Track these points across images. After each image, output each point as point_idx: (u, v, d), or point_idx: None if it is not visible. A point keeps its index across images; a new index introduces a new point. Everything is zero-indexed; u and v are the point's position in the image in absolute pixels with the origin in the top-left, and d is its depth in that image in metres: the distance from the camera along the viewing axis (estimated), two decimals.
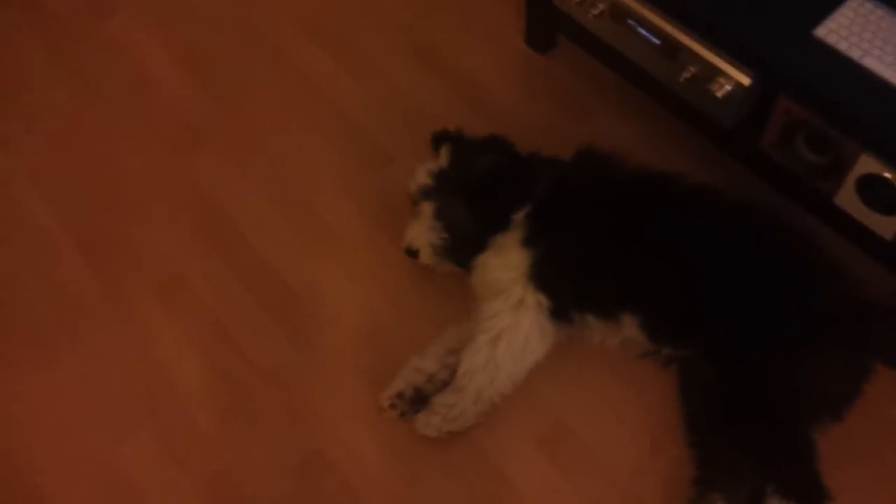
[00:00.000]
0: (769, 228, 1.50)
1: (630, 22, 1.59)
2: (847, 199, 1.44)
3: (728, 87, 1.49)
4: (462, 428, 1.46)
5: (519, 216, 1.53)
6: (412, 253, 1.60)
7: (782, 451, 1.36)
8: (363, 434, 1.51)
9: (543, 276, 1.47)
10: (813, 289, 1.43)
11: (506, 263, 1.50)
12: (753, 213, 1.52)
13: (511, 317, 1.46)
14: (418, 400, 1.50)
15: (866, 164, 1.37)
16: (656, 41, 1.57)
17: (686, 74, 1.55)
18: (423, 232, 1.58)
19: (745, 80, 1.46)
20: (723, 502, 1.34)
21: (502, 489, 1.45)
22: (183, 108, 1.95)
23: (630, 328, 1.48)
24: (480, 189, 1.54)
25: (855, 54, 1.38)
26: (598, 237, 1.48)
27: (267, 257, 1.72)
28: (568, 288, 1.48)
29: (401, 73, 1.96)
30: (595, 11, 1.65)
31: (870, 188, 1.39)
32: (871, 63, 1.37)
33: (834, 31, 1.41)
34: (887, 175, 1.34)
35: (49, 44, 2.07)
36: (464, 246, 1.57)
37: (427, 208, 1.58)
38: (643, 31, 1.58)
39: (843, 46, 1.39)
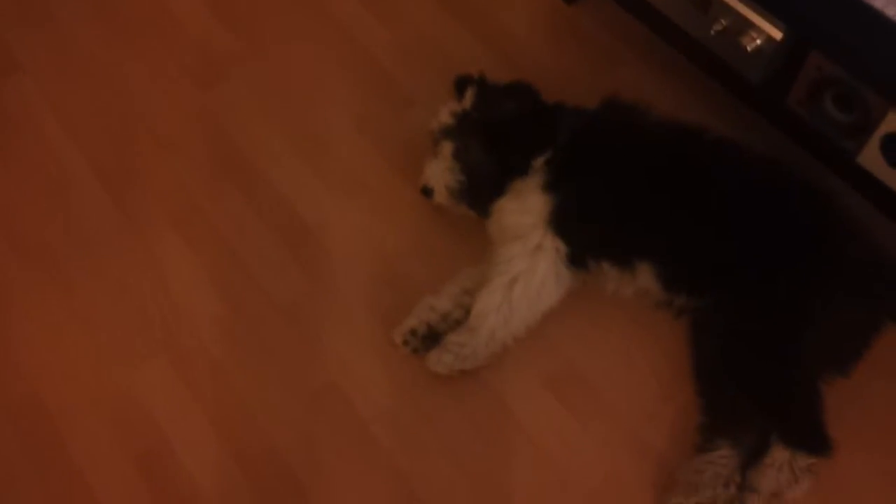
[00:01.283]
0: (790, 184, 1.50)
1: None
2: (871, 158, 1.43)
3: (759, 41, 1.48)
4: (473, 367, 1.47)
5: (539, 162, 1.52)
6: (427, 192, 1.59)
7: (787, 401, 1.37)
8: (376, 369, 1.53)
9: (562, 222, 1.47)
10: (829, 245, 1.43)
11: (524, 207, 1.50)
12: (776, 168, 1.51)
13: (528, 261, 1.46)
14: (431, 337, 1.51)
15: (893, 122, 1.36)
16: None
17: (717, 27, 1.53)
18: (441, 172, 1.56)
19: (777, 35, 1.45)
20: (728, 448, 1.36)
21: (510, 426, 1.46)
22: (206, 43, 1.94)
23: (645, 277, 1.48)
24: (501, 132, 1.53)
25: (891, 11, 1.36)
26: (619, 184, 1.48)
27: (284, 192, 1.72)
28: (587, 234, 1.48)
29: (427, 18, 1.94)
30: None
31: (895, 147, 1.38)
32: None
33: None
34: None
35: None
36: (480, 189, 1.56)
37: (446, 148, 1.56)
38: None
39: (878, 3, 1.37)
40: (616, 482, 1.42)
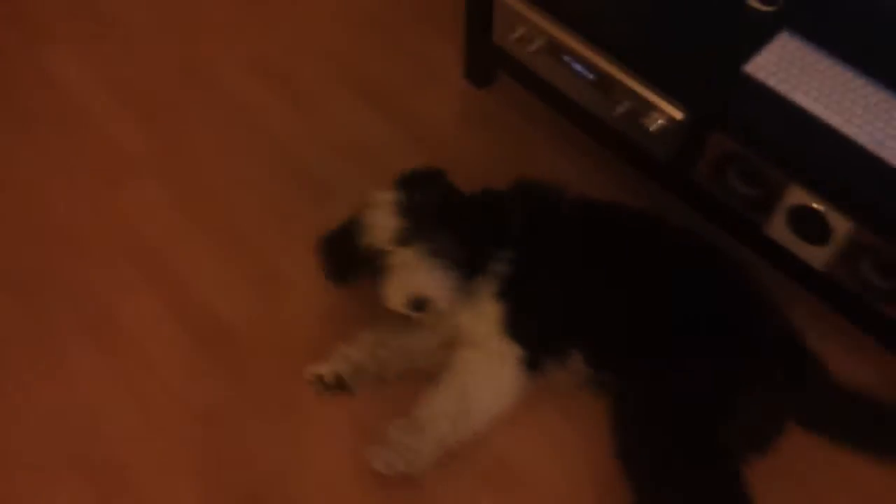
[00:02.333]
0: (708, 260, 1.53)
1: (565, 58, 1.61)
2: (778, 229, 1.47)
3: (661, 122, 1.52)
4: (417, 472, 1.41)
5: (499, 264, 1.47)
6: (420, 305, 1.40)
7: (715, 491, 1.35)
8: (303, 473, 1.47)
9: (517, 326, 1.45)
10: (748, 325, 1.45)
11: (479, 313, 1.47)
12: (694, 242, 1.55)
13: (488, 369, 1.44)
14: (339, 387, 1.50)
15: (795, 196, 1.40)
16: (591, 76, 1.59)
17: (620, 109, 1.58)
18: (430, 276, 1.39)
19: (678, 115, 1.49)
20: None
21: None
22: (117, 140, 1.91)
23: (576, 361, 1.48)
24: (462, 217, 1.46)
25: (784, 89, 1.42)
26: (553, 275, 1.48)
27: (202, 294, 1.68)
28: (537, 333, 1.46)
29: (341, 108, 1.95)
30: (532, 47, 1.67)
31: (800, 219, 1.43)
32: (799, 98, 1.41)
33: (762, 68, 1.45)
34: (816, 206, 1.38)
35: None
36: (467, 279, 1.45)
37: (414, 252, 1.40)
38: (578, 67, 1.60)
39: (772, 82, 1.43)
40: None
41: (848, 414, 1.49)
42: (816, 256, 1.45)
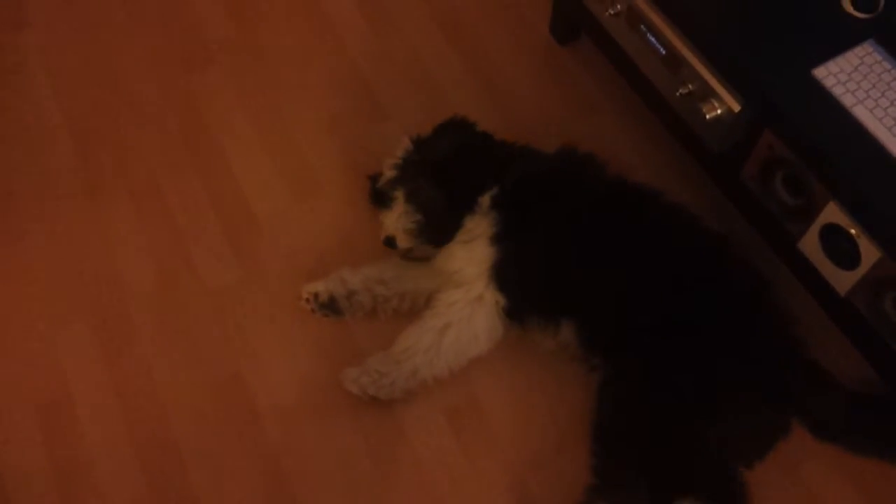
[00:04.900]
0: (731, 265, 1.49)
1: (642, 27, 1.57)
2: (810, 245, 1.42)
3: (718, 111, 1.47)
4: (386, 398, 1.47)
5: (485, 199, 1.52)
6: (390, 242, 1.57)
7: (682, 483, 1.34)
8: (286, 369, 1.54)
9: (505, 276, 1.47)
10: (756, 335, 1.41)
11: (471, 256, 1.50)
12: (718, 244, 1.50)
13: (466, 310, 1.46)
14: (330, 308, 1.55)
15: (832, 214, 1.34)
16: (662, 51, 1.55)
17: (683, 90, 1.53)
18: (397, 218, 1.55)
19: (735, 107, 1.44)
20: None
21: (401, 448, 1.47)
22: (204, 24, 1.98)
23: (567, 333, 1.48)
24: (446, 166, 1.53)
25: (847, 101, 1.35)
26: (559, 241, 1.47)
27: (241, 183, 1.75)
28: (526, 289, 1.48)
29: (419, 36, 1.96)
30: (613, 11, 1.64)
31: (832, 239, 1.37)
32: (860, 113, 1.34)
33: (833, 75, 1.37)
34: (850, 229, 1.32)
35: None
36: (438, 226, 1.55)
37: (399, 196, 1.55)
38: (652, 39, 1.56)
39: (837, 91, 1.36)
40: None
41: (862, 423, 1.43)
42: (841, 280, 1.39)
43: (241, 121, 1.84)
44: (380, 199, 1.61)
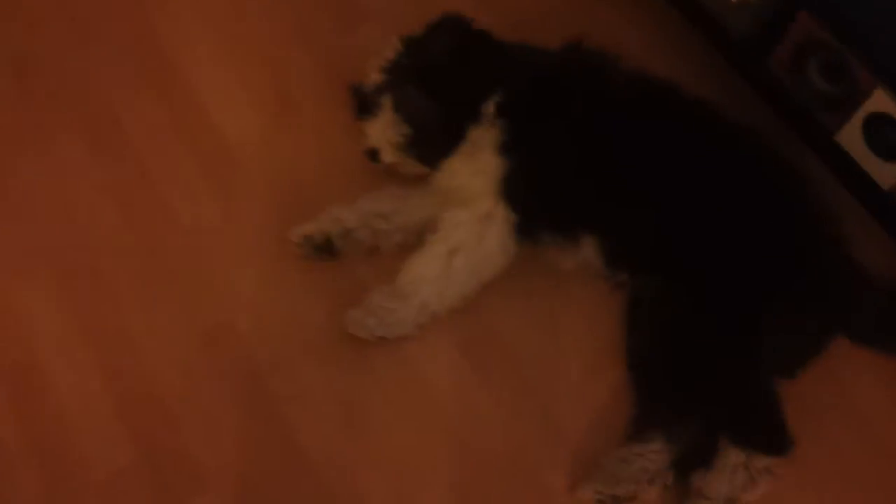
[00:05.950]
0: (764, 163, 1.35)
1: None
2: (850, 137, 1.29)
3: None
4: (394, 336, 1.33)
5: (489, 107, 1.35)
6: (373, 155, 1.40)
7: (740, 400, 1.25)
8: (278, 312, 1.39)
9: (516, 189, 1.31)
10: (796, 242, 1.29)
11: (475, 168, 1.34)
12: (751, 140, 1.36)
13: (474, 230, 1.31)
14: (326, 249, 1.39)
15: (880, 102, 1.21)
16: None
17: None
18: (383, 129, 1.39)
19: None
20: (661, 443, 1.22)
21: (415, 386, 1.34)
22: None
23: (588, 250, 1.34)
24: (440, 71, 1.36)
25: None
26: (578, 147, 1.32)
27: (206, 103, 1.56)
28: (540, 203, 1.33)
29: None
30: None
31: (877, 129, 1.25)
32: None
33: None
34: None
35: None
36: (430, 139, 1.39)
37: (385, 104, 1.38)
38: None
39: None
40: (523, 457, 1.30)
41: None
42: (885, 173, 1.27)
43: (198, 30, 1.64)
44: (364, 107, 1.43)
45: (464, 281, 1.32)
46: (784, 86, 1.37)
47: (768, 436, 1.24)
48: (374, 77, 1.41)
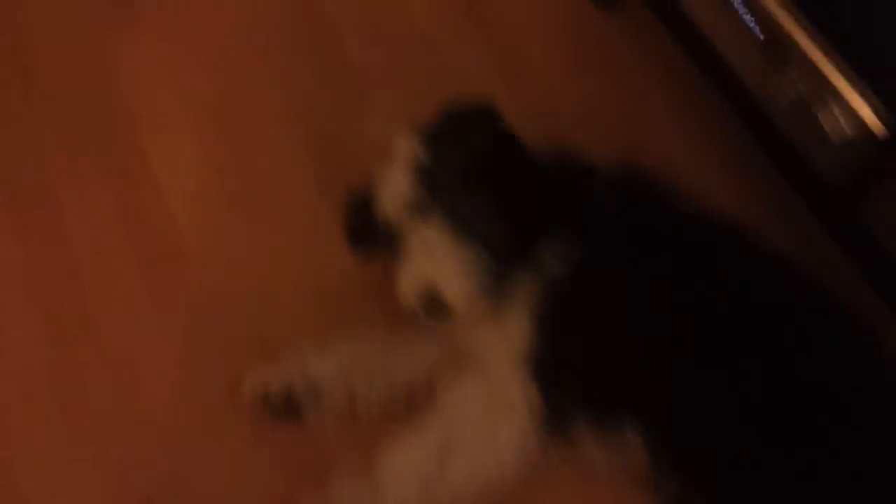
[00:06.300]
0: (848, 334, 1.06)
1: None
2: None
3: (848, 131, 1.04)
4: None
5: (552, 253, 1.03)
6: (436, 308, 1.01)
7: None
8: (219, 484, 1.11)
9: (544, 362, 1.01)
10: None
11: (501, 333, 1.03)
12: (834, 306, 1.08)
13: (487, 420, 1.01)
14: (287, 410, 1.09)
15: None
16: (761, 35, 1.11)
17: (790, 92, 1.10)
18: (447, 261, 1.00)
19: (878, 128, 1.01)
20: None
21: None
22: None
23: (634, 448, 1.02)
24: (518, 185, 1.03)
25: None
26: (630, 307, 1.02)
27: (163, 188, 1.32)
28: (576, 382, 1.02)
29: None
30: None
31: None
32: None
33: None
34: None
35: None
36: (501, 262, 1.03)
37: (428, 229, 1.01)
38: (747, 17, 1.12)
39: None
40: None
41: None
42: None
43: (167, 94, 1.39)
44: (367, 231, 1.10)
45: (461, 482, 1.01)
46: (878, 242, 1.10)
47: None
48: (401, 188, 1.04)
